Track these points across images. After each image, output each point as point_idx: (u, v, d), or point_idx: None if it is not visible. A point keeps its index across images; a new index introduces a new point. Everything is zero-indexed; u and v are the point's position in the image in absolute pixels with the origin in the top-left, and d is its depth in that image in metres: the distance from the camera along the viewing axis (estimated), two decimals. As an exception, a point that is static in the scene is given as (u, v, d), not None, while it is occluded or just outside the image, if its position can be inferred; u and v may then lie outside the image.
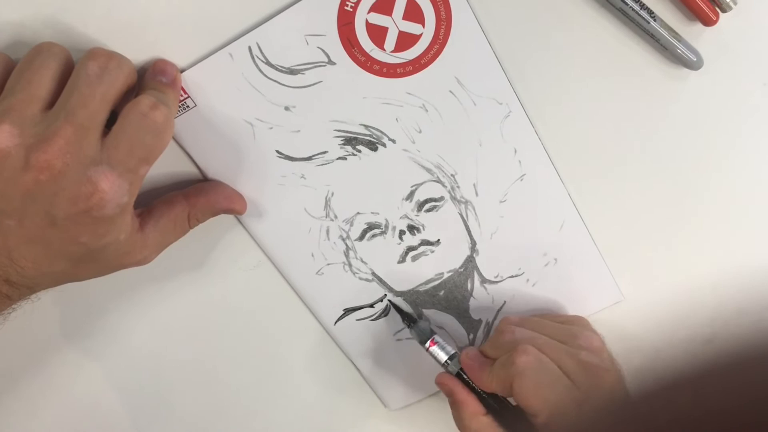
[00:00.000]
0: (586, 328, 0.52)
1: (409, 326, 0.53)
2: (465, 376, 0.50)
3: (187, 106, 0.47)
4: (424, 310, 0.54)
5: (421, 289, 0.53)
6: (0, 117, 0.39)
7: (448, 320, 0.55)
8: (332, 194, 0.50)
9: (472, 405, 0.50)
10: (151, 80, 0.45)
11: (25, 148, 0.39)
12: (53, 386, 0.56)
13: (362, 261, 0.52)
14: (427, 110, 0.48)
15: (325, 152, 0.49)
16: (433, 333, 0.52)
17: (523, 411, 0.47)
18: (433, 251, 0.52)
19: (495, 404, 0.50)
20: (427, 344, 0.52)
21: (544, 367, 0.47)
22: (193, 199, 0.48)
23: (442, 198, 0.51)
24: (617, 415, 0.38)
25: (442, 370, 0.52)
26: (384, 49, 0.47)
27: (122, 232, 0.42)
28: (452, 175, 0.50)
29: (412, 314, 0.54)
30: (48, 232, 0.40)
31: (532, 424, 0.47)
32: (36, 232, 0.40)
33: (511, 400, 0.49)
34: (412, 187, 0.50)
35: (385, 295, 0.53)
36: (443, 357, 0.51)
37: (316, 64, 0.47)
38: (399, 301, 0.53)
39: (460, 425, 0.50)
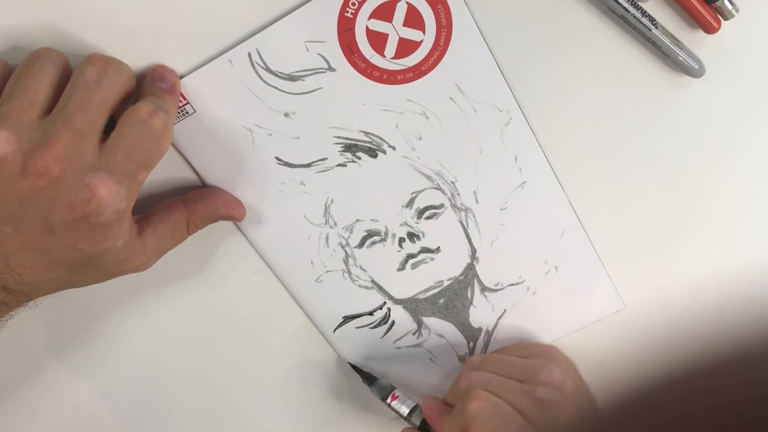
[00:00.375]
0: (549, 362, 0.52)
1: (369, 385, 0.54)
2: (427, 428, 0.52)
3: (187, 112, 0.47)
4: (424, 318, 0.54)
5: (421, 296, 0.53)
6: None
7: (448, 328, 0.54)
8: (332, 201, 0.50)
9: None
10: (150, 86, 0.44)
11: (23, 154, 0.39)
12: (51, 393, 0.56)
13: (362, 268, 0.52)
14: (427, 117, 0.48)
15: (324, 159, 0.49)
16: (393, 388, 0.54)
17: None
18: (432, 259, 0.52)
19: None
20: (388, 400, 0.53)
21: (497, 410, 0.48)
22: (191, 205, 0.47)
23: (442, 205, 0.51)
24: None
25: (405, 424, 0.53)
26: (384, 56, 0.46)
27: (120, 238, 0.42)
28: (452, 182, 0.50)
29: (371, 373, 0.55)
30: (45, 238, 0.40)
31: None
32: (33, 239, 0.40)
33: None
34: (412, 194, 0.50)
35: (385, 302, 0.53)
36: (405, 411, 0.53)
37: (316, 71, 0.46)
38: (357, 361, 0.55)
39: None
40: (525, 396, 0.48)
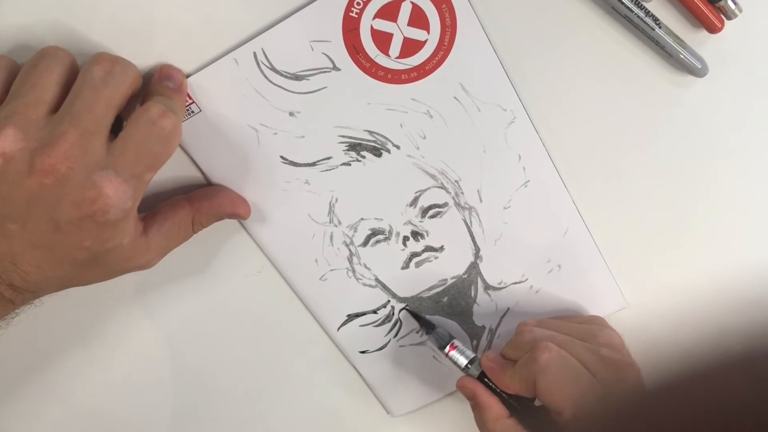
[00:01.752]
0: (604, 327, 0.51)
1: (427, 333, 0.53)
2: (486, 380, 0.50)
3: (192, 112, 0.47)
4: (427, 317, 0.54)
5: (425, 295, 0.53)
6: (4, 121, 0.39)
7: (451, 326, 0.55)
8: (336, 200, 0.50)
9: (495, 408, 0.49)
10: (157, 85, 0.45)
11: (30, 152, 0.39)
12: (56, 391, 0.56)
13: (366, 267, 0.52)
14: (431, 116, 0.48)
15: (329, 158, 0.49)
16: (452, 338, 0.52)
17: (547, 410, 0.47)
18: (436, 257, 0.52)
19: (518, 406, 0.49)
20: (447, 349, 0.52)
21: (567, 363, 0.46)
22: (197, 203, 0.47)
23: (446, 204, 0.51)
24: (641, 408, 0.37)
25: (459, 375, 0.52)
26: (389, 55, 0.47)
27: (126, 236, 0.42)
28: (456, 181, 0.50)
29: (430, 321, 0.53)
30: (52, 236, 0.40)
31: (556, 424, 0.47)
32: (40, 237, 0.40)
33: (535, 403, 0.49)
34: (416, 193, 0.50)
35: (389, 301, 0.53)
36: (463, 361, 0.51)
37: (320, 70, 0.47)
38: (414, 309, 0.54)
39: (482, 429, 0.50)
40: (591, 353, 0.47)
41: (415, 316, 0.53)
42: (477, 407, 0.50)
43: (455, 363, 0.51)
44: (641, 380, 0.47)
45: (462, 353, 0.51)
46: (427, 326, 0.53)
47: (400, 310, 0.54)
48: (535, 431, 0.48)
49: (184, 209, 0.47)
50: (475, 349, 0.56)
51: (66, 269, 0.42)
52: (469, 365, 0.51)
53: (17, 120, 0.39)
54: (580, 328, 0.50)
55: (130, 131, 0.41)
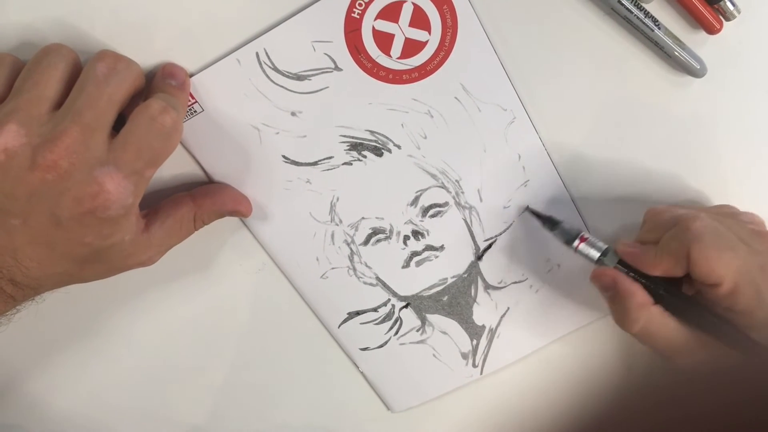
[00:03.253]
0: (740, 211, 0.48)
1: (551, 230, 0.50)
2: (623, 270, 0.46)
3: (195, 111, 0.47)
4: (428, 315, 0.54)
5: (425, 294, 0.54)
6: (7, 116, 0.40)
7: (451, 326, 0.55)
8: (337, 199, 0.51)
9: (639, 295, 0.45)
10: (160, 83, 0.45)
11: (32, 148, 0.39)
12: (58, 387, 0.56)
13: (366, 265, 0.53)
14: (432, 116, 0.49)
15: (330, 157, 0.49)
16: (579, 231, 0.49)
17: (696, 292, 0.45)
18: (437, 256, 0.53)
19: (663, 293, 0.45)
20: (576, 243, 0.48)
21: (721, 231, 0.43)
22: (199, 200, 0.48)
23: (446, 203, 0.51)
24: None
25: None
26: (390, 56, 0.47)
27: (127, 233, 0.43)
28: (457, 180, 0.51)
29: (553, 217, 0.50)
30: (53, 232, 0.40)
31: (705, 306, 0.44)
32: (41, 232, 0.40)
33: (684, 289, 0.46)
34: (416, 192, 0.51)
35: (389, 299, 0.54)
36: (595, 254, 0.48)
37: (322, 70, 0.47)
38: (536, 208, 0.51)
39: (625, 320, 0.46)
40: (741, 227, 0.45)
41: (537, 214, 0.50)
42: (618, 297, 0.46)
43: (587, 256, 0.48)
44: None
45: (593, 246, 0.48)
46: (551, 222, 0.50)
47: (401, 309, 0.54)
48: (681, 317, 0.45)
49: (186, 205, 0.47)
50: (475, 350, 0.56)
51: (67, 265, 0.42)
52: (602, 257, 0.47)
53: (20, 116, 0.40)
54: (717, 209, 0.48)
55: (131, 127, 0.41)
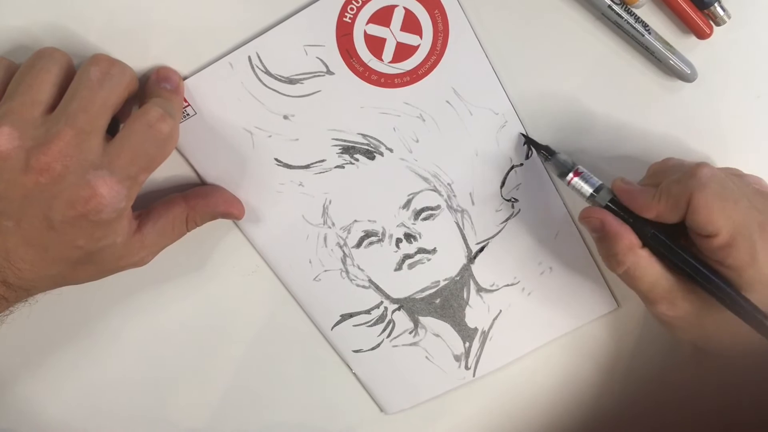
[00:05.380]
0: (745, 173, 0.48)
1: (546, 159, 0.49)
2: (614, 209, 0.45)
3: (188, 114, 0.48)
4: (420, 318, 0.55)
5: (418, 296, 0.54)
6: (0, 120, 0.40)
7: (444, 328, 0.55)
8: (330, 202, 0.51)
9: (627, 236, 0.44)
10: (155, 87, 0.45)
11: (25, 151, 0.40)
12: (50, 389, 0.56)
13: (359, 268, 0.53)
14: (424, 120, 0.49)
15: (323, 160, 0.50)
16: (575, 164, 0.47)
17: (686, 242, 0.44)
18: (429, 259, 0.53)
19: (652, 237, 0.44)
20: (570, 176, 0.47)
21: (727, 183, 0.42)
22: (192, 201, 0.48)
23: (438, 207, 0.51)
24: None
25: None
26: (382, 60, 0.47)
27: (119, 235, 0.43)
28: (449, 184, 0.51)
29: (549, 147, 0.49)
30: (45, 234, 0.41)
31: (695, 256, 0.43)
32: (34, 234, 0.41)
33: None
34: (408, 195, 0.51)
35: (382, 301, 0.54)
36: (588, 190, 0.47)
37: (314, 74, 0.47)
38: (530, 134, 0.49)
39: (612, 261, 0.45)
40: (746, 186, 0.44)
41: (533, 142, 0.49)
42: (605, 238, 0.45)
43: (579, 191, 0.47)
44: None
45: (587, 181, 0.47)
46: (547, 151, 0.48)
47: (393, 311, 0.54)
48: (668, 263, 0.44)
49: (179, 206, 0.47)
50: (467, 353, 0.56)
51: (60, 267, 0.43)
52: (594, 194, 0.46)
53: (13, 119, 0.40)
54: (723, 169, 0.46)
55: (127, 133, 0.41)
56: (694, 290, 0.44)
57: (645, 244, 0.45)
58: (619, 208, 0.45)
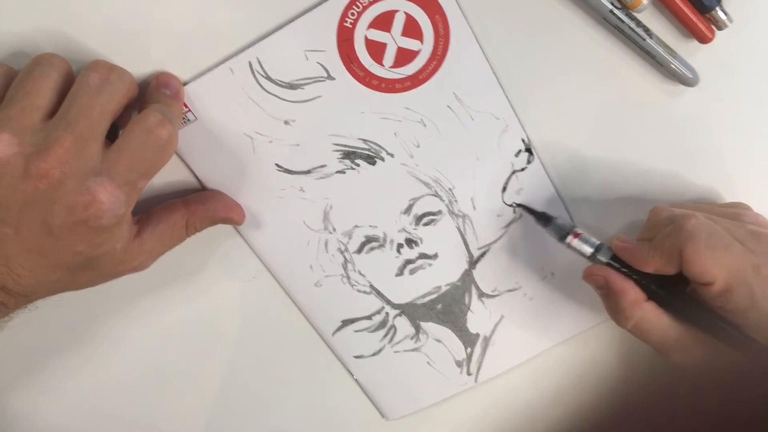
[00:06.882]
0: (748, 209, 0.49)
1: (544, 226, 0.49)
2: (616, 266, 0.46)
3: (188, 120, 0.47)
4: (422, 323, 0.55)
5: (419, 302, 0.54)
6: None
7: (446, 334, 0.55)
8: (331, 207, 0.51)
9: (631, 292, 0.45)
10: (155, 92, 0.45)
11: (25, 157, 0.40)
12: (50, 395, 0.56)
13: (360, 273, 0.53)
14: (425, 125, 0.49)
15: (324, 166, 0.49)
16: (573, 226, 0.48)
17: (690, 289, 0.44)
18: (430, 264, 0.53)
19: (656, 288, 0.45)
20: (569, 239, 0.48)
21: (715, 230, 0.43)
22: (192, 206, 0.48)
23: (439, 212, 0.51)
24: None
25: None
26: (383, 65, 0.47)
27: (119, 241, 0.43)
28: (450, 189, 0.51)
29: (547, 213, 0.50)
30: (45, 240, 0.41)
31: (699, 303, 0.44)
32: (33, 241, 0.41)
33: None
34: (410, 200, 0.51)
35: (383, 307, 0.54)
36: (589, 250, 0.47)
37: (315, 79, 0.47)
38: (529, 203, 0.50)
39: (619, 317, 0.46)
40: (738, 227, 0.44)
41: (529, 210, 0.50)
42: (611, 294, 0.46)
43: (580, 252, 0.48)
44: None
45: (586, 241, 0.47)
46: (544, 218, 0.49)
47: (395, 316, 0.54)
48: (675, 313, 0.45)
49: (179, 212, 0.47)
50: (469, 358, 0.56)
51: (59, 273, 0.42)
52: (595, 253, 0.47)
53: (12, 125, 0.40)
54: (722, 209, 0.48)
55: (127, 139, 0.41)
56: (705, 337, 0.45)
57: (650, 297, 0.45)
58: (620, 264, 0.46)
